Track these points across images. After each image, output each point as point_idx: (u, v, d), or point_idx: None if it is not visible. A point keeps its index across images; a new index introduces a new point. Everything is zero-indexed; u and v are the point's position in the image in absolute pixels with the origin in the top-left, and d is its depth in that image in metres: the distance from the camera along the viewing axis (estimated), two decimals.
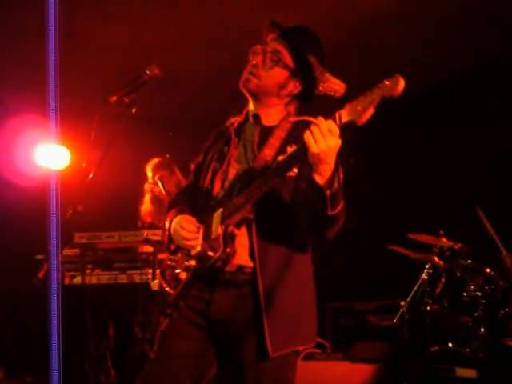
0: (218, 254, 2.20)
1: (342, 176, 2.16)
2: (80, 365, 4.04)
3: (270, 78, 2.34)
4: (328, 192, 1.99)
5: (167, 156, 4.87)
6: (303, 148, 1.95)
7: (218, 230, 2.24)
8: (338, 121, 1.90)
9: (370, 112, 1.85)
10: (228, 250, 2.19)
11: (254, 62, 2.33)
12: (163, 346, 2.33)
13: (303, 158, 1.98)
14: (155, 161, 4.81)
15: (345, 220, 2.17)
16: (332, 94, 2.23)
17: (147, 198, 4.79)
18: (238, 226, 2.20)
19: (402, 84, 1.78)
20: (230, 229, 2.19)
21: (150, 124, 5.68)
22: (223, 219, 2.22)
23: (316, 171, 1.97)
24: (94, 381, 4.11)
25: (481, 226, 4.07)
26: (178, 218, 2.39)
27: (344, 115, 1.89)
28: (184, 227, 2.32)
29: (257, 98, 2.39)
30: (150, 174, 4.75)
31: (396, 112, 5.98)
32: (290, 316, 2.21)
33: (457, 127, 5.44)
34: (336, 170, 1.99)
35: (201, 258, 2.30)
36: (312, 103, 2.43)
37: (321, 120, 1.91)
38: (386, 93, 1.80)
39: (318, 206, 2.04)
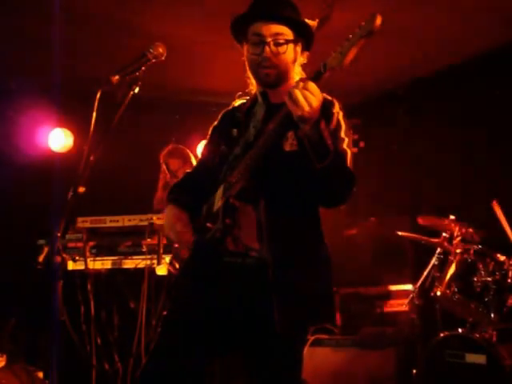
0: (216, 225, 2.20)
1: (332, 129, 2.18)
2: (84, 352, 4.03)
3: (284, 61, 2.29)
4: (306, 141, 2.02)
5: (179, 146, 4.86)
6: (287, 114, 2.00)
7: (218, 203, 2.24)
8: (322, 69, 1.97)
9: (353, 53, 1.93)
10: (227, 220, 2.17)
11: (264, 56, 2.25)
12: (166, 332, 2.31)
13: (290, 122, 2.02)
14: (168, 148, 4.84)
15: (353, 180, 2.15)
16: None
17: (160, 185, 4.78)
18: (238, 197, 2.18)
19: (378, 19, 1.87)
20: (230, 200, 2.18)
21: (154, 105, 5.63)
22: (224, 192, 2.22)
23: (301, 129, 2.02)
24: (98, 368, 4.10)
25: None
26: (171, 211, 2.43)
27: (329, 62, 1.96)
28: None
29: (276, 86, 2.33)
30: (162, 160, 4.76)
31: (407, 95, 5.96)
32: (300, 295, 2.18)
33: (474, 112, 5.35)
34: (318, 122, 2.00)
35: (201, 231, 2.30)
36: None
37: (297, 83, 1.96)
38: (364, 31, 1.89)
39: (309, 163, 2.04)
